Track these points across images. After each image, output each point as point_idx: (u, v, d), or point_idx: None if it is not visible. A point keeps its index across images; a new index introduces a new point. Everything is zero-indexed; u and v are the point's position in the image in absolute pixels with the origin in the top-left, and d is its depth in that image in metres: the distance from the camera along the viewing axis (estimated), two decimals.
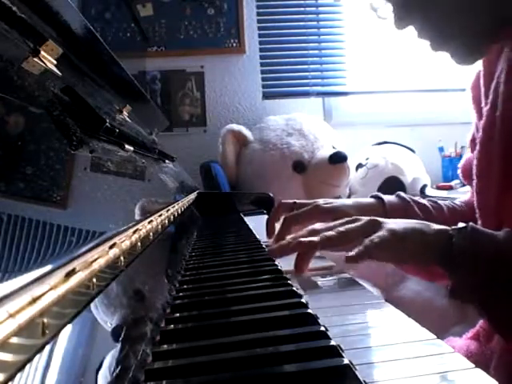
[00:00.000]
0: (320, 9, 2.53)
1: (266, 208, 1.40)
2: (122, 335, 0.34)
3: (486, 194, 0.69)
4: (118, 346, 0.33)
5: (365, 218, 0.58)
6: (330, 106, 2.53)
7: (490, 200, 0.68)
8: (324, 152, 2.09)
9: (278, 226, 0.79)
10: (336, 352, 0.33)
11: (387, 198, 0.82)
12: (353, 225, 0.57)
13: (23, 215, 0.29)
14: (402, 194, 0.84)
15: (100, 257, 0.32)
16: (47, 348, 0.23)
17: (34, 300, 0.21)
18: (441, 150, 2.44)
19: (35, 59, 0.43)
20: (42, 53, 0.45)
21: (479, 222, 0.73)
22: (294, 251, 0.62)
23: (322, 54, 2.52)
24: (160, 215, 0.60)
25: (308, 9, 2.51)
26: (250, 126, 2.28)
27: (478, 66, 0.75)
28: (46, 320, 0.22)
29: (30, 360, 0.20)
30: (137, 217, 0.53)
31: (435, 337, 0.37)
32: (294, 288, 0.49)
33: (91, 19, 2.24)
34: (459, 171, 0.90)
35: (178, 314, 0.45)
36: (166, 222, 0.64)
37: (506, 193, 0.64)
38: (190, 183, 1.39)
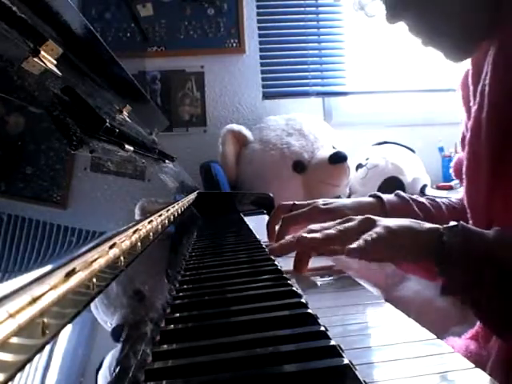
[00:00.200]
0: (320, 9, 2.53)
1: (266, 208, 1.40)
2: (124, 335, 0.34)
3: (476, 194, 0.69)
4: (119, 346, 0.33)
5: (360, 217, 0.59)
6: (330, 106, 2.53)
7: (479, 200, 0.68)
8: (324, 152, 2.09)
9: (278, 227, 0.79)
10: (336, 352, 0.33)
11: (387, 197, 0.82)
12: (349, 223, 0.58)
13: (23, 215, 0.29)
14: (401, 192, 0.84)
15: (100, 257, 0.32)
16: (47, 348, 0.23)
17: (34, 300, 0.21)
18: (441, 150, 2.44)
19: (35, 59, 0.43)
20: (42, 53, 0.45)
21: (470, 222, 0.73)
22: (295, 249, 0.62)
23: (322, 54, 2.52)
24: (160, 215, 0.60)
25: (308, 9, 2.51)
26: (250, 126, 2.28)
27: (467, 64, 0.75)
28: (46, 320, 0.22)
29: (30, 360, 0.20)
30: (137, 217, 0.53)
31: (435, 337, 0.37)
32: (294, 288, 0.49)
33: (91, 19, 2.24)
34: (451, 170, 0.90)
35: (178, 314, 0.45)
36: (166, 222, 0.64)
37: (494, 193, 0.65)
38: (190, 183, 1.39)
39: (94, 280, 0.30)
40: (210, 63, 2.42)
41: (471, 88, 0.73)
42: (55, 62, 0.48)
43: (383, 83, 2.56)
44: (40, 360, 0.22)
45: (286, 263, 0.62)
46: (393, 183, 2.12)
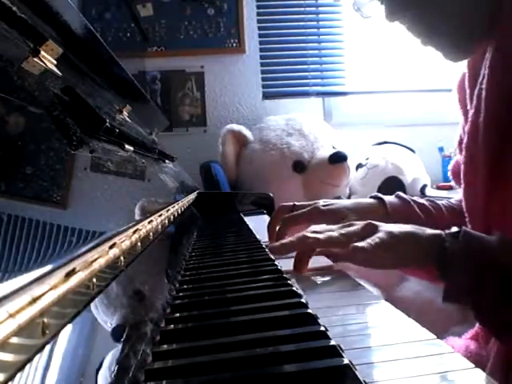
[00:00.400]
0: (320, 9, 2.53)
1: (266, 208, 1.40)
2: (124, 335, 0.34)
3: (473, 198, 0.69)
4: (119, 346, 0.33)
5: (362, 222, 0.60)
6: (330, 106, 2.53)
7: (477, 204, 0.68)
8: (324, 152, 2.09)
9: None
10: (336, 352, 0.33)
11: (388, 198, 0.82)
12: (352, 228, 0.59)
13: (23, 215, 0.29)
14: (401, 194, 0.84)
15: (100, 257, 0.32)
16: (47, 348, 0.23)
17: (34, 300, 0.21)
18: (441, 150, 2.44)
19: (35, 59, 0.43)
20: (42, 53, 0.45)
21: (469, 226, 0.73)
22: (297, 248, 0.63)
23: (322, 54, 2.52)
24: (160, 215, 0.60)
25: (308, 9, 2.51)
26: (250, 126, 2.28)
27: (464, 67, 0.75)
28: (46, 320, 0.22)
29: (29, 360, 0.20)
30: (137, 217, 0.53)
31: (435, 337, 0.37)
32: (294, 288, 0.49)
33: (91, 19, 2.24)
34: (449, 173, 0.90)
35: (178, 314, 0.45)
36: (166, 222, 0.64)
37: (492, 197, 0.65)
38: (190, 183, 1.39)
39: (94, 280, 0.30)
40: (210, 63, 2.43)
41: (468, 91, 0.73)
42: (55, 61, 0.48)
43: (383, 83, 2.56)
44: (40, 360, 0.22)
45: (285, 263, 0.62)
46: (393, 183, 2.12)
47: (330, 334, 0.36)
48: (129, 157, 0.64)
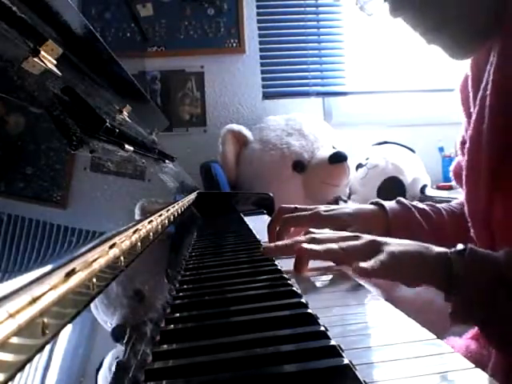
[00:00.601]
0: (320, 9, 2.53)
1: (266, 208, 1.40)
2: (124, 335, 0.34)
3: (476, 203, 0.69)
4: (119, 346, 0.33)
5: (366, 238, 0.58)
6: (330, 106, 2.53)
7: (479, 210, 0.68)
8: (324, 152, 2.09)
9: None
10: (336, 352, 0.33)
11: (388, 204, 0.82)
12: (355, 243, 0.57)
13: (23, 215, 0.29)
14: (402, 199, 0.84)
15: (100, 257, 0.32)
16: (47, 348, 0.23)
17: (34, 300, 0.21)
18: (441, 150, 2.44)
19: (35, 59, 0.43)
20: (42, 53, 0.45)
21: (472, 231, 0.73)
22: (292, 254, 0.62)
23: (322, 54, 2.52)
24: (160, 215, 0.60)
25: (308, 9, 2.51)
26: (250, 126, 2.28)
27: (467, 68, 0.75)
28: (46, 320, 0.22)
29: (29, 360, 0.20)
30: (137, 217, 0.53)
31: (435, 337, 0.37)
32: (294, 288, 0.49)
33: (91, 19, 2.24)
34: (451, 174, 0.90)
35: (178, 314, 0.45)
36: (166, 222, 0.64)
37: (494, 203, 0.64)
38: (190, 183, 1.39)
39: (94, 280, 0.30)
40: (210, 63, 2.43)
41: (471, 93, 0.72)
42: (55, 61, 0.48)
43: (383, 83, 2.56)
44: (40, 360, 0.22)
45: (286, 263, 0.62)
46: (393, 183, 2.12)
47: (329, 333, 0.36)
48: (129, 157, 0.64)
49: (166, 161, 1.07)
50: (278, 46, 2.50)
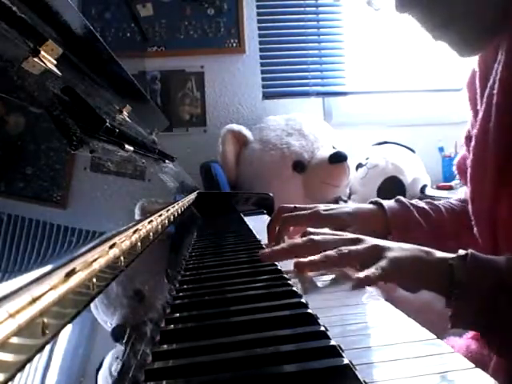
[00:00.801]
0: (320, 9, 2.53)
1: (266, 208, 1.40)
2: (124, 336, 0.34)
3: (480, 202, 0.69)
4: (121, 346, 0.33)
5: (368, 242, 0.57)
6: (330, 106, 2.53)
7: (483, 208, 0.68)
8: (324, 152, 2.09)
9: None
10: (336, 352, 0.33)
11: (387, 203, 0.82)
12: (357, 248, 0.56)
13: (23, 215, 0.29)
14: (401, 198, 0.84)
15: (100, 257, 0.32)
16: (47, 348, 0.23)
17: (34, 300, 0.21)
18: (441, 149, 2.44)
19: (35, 59, 0.43)
20: (42, 53, 0.45)
21: (475, 229, 0.73)
22: (289, 258, 0.62)
23: (322, 54, 2.52)
24: (160, 215, 0.60)
25: (308, 9, 2.51)
26: (250, 126, 2.28)
27: (474, 64, 0.75)
28: (46, 320, 0.22)
29: (29, 360, 0.20)
30: (137, 217, 0.53)
31: (435, 337, 0.37)
32: (294, 288, 0.49)
33: (91, 19, 2.24)
34: (454, 168, 0.89)
35: (177, 314, 0.45)
36: (166, 222, 0.64)
37: (499, 202, 0.64)
38: (190, 183, 1.39)
39: (94, 280, 0.30)
40: (210, 63, 2.43)
41: (478, 90, 0.72)
42: (55, 61, 0.48)
43: (383, 83, 2.56)
44: (40, 360, 0.22)
45: (285, 263, 0.62)
46: (393, 183, 2.12)
47: (329, 333, 0.36)
48: (129, 157, 0.64)
49: (166, 161, 1.07)
50: (278, 46, 2.50)
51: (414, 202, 0.85)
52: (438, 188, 2.24)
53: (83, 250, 0.30)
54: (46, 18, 0.47)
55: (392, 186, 2.10)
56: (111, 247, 0.35)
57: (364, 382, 0.30)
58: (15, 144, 0.34)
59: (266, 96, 2.47)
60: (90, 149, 0.47)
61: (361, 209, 0.82)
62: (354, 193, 2.24)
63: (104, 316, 0.33)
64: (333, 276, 0.59)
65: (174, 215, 0.72)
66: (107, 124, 0.49)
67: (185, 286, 0.55)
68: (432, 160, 2.40)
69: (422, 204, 0.84)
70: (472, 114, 0.77)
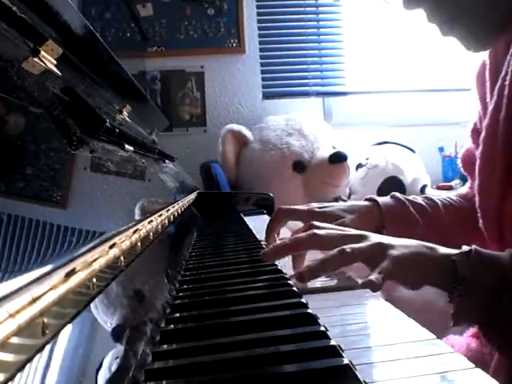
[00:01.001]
0: (320, 9, 2.53)
1: (267, 208, 1.40)
2: (124, 335, 0.34)
3: (488, 195, 0.69)
4: (119, 346, 0.33)
5: (372, 240, 0.55)
6: (330, 106, 2.53)
7: (491, 202, 0.67)
8: (324, 152, 2.09)
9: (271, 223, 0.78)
10: (336, 352, 0.33)
11: (382, 200, 0.82)
12: (360, 245, 0.54)
13: (23, 215, 0.29)
14: (397, 194, 0.83)
15: (100, 257, 0.32)
16: (47, 348, 0.23)
17: (34, 300, 0.21)
18: (441, 149, 2.44)
19: (35, 59, 0.43)
20: (42, 53, 0.45)
21: (480, 222, 0.72)
22: (293, 252, 0.61)
23: (322, 54, 2.52)
24: (160, 215, 0.60)
25: (308, 9, 2.51)
26: (250, 126, 2.28)
27: (484, 56, 0.74)
28: (46, 320, 0.22)
29: (29, 360, 0.20)
30: (137, 217, 0.53)
31: (435, 337, 0.37)
32: (294, 288, 0.49)
33: (91, 19, 2.24)
34: (459, 161, 0.89)
35: (177, 314, 0.45)
36: (166, 222, 0.64)
37: (506, 196, 0.64)
38: (190, 183, 1.39)
39: (94, 280, 0.30)
40: (210, 63, 2.43)
41: (488, 83, 0.72)
42: (55, 61, 0.48)
43: (383, 83, 2.56)
44: (40, 360, 0.22)
45: (285, 263, 0.62)
46: (393, 183, 2.12)
47: (329, 333, 0.36)
48: (129, 157, 0.64)
49: (166, 161, 1.07)
50: (278, 46, 2.50)
51: (410, 197, 0.84)
52: (438, 188, 2.24)
53: (83, 250, 0.30)
54: (46, 18, 0.47)
55: (392, 186, 2.10)
56: (111, 247, 0.35)
57: (364, 382, 0.30)
58: (15, 144, 0.34)
59: (266, 96, 2.47)
60: (90, 149, 0.47)
61: (356, 205, 0.81)
62: (354, 193, 2.24)
63: (104, 316, 0.33)
64: (333, 276, 0.59)
65: (174, 215, 0.72)
66: (107, 124, 0.49)
67: (185, 286, 0.55)
68: (432, 160, 2.40)
69: (418, 200, 0.83)
70: (480, 107, 0.76)
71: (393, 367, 0.33)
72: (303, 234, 0.58)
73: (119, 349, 0.32)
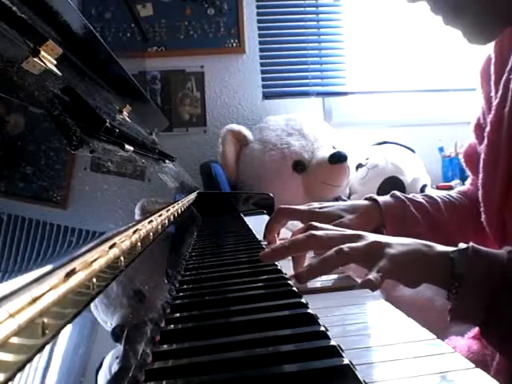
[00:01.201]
0: (320, 9, 2.53)
1: (267, 208, 1.40)
2: (124, 336, 0.34)
3: (491, 189, 0.69)
4: (119, 346, 0.33)
5: (368, 239, 0.55)
6: (330, 106, 2.53)
7: (493, 196, 0.67)
8: (324, 152, 2.09)
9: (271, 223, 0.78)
10: (336, 352, 0.33)
11: (382, 199, 0.81)
12: (357, 245, 0.54)
13: (23, 215, 0.29)
14: (397, 193, 0.83)
15: (100, 257, 0.32)
16: (47, 348, 0.23)
17: (34, 300, 0.21)
18: (441, 150, 2.44)
19: (35, 59, 0.43)
20: (42, 53, 0.45)
21: (483, 216, 0.72)
22: (291, 255, 0.61)
23: (322, 54, 2.52)
24: (160, 215, 0.60)
25: (308, 9, 2.51)
26: (250, 126, 2.28)
27: (488, 51, 0.74)
28: (46, 320, 0.22)
29: (30, 360, 0.20)
30: (137, 217, 0.53)
31: (435, 337, 0.37)
32: (294, 288, 0.48)
33: (91, 19, 2.23)
34: (461, 156, 0.89)
35: (178, 314, 0.45)
36: (166, 222, 0.64)
37: (509, 190, 0.64)
38: (190, 183, 1.39)
39: (94, 280, 0.30)
40: (210, 63, 2.43)
41: (493, 77, 0.72)
42: (55, 61, 0.48)
43: (383, 83, 2.56)
44: (40, 360, 0.22)
45: (285, 263, 0.62)
46: (393, 183, 2.12)
47: (329, 334, 0.36)
48: (129, 157, 0.64)
49: (166, 161, 1.07)
50: (278, 46, 2.50)
51: (411, 196, 0.84)
52: (438, 188, 2.24)
53: (83, 249, 0.30)
54: (46, 18, 0.47)
55: (392, 186, 2.09)
56: (111, 247, 0.35)
57: (364, 382, 0.30)
58: (15, 144, 0.34)
59: (266, 96, 2.47)
60: (90, 149, 0.47)
61: (355, 205, 0.81)
62: (354, 193, 2.24)
63: (104, 316, 0.33)
64: (333, 276, 0.59)
65: (174, 215, 0.72)
66: (107, 124, 0.50)
67: (185, 286, 0.55)
68: (432, 160, 2.40)
69: (419, 199, 0.83)
70: (484, 102, 0.76)
71: (393, 367, 0.33)
72: (301, 236, 0.58)
73: (119, 349, 0.32)
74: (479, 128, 0.79)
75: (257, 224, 1.03)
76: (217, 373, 0.32)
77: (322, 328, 0.37)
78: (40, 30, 0.45)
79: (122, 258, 0.37)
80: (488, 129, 0.70)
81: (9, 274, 0.24)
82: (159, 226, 0.57)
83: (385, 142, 2.34)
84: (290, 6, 2.50)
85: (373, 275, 0.50)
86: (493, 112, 0.69)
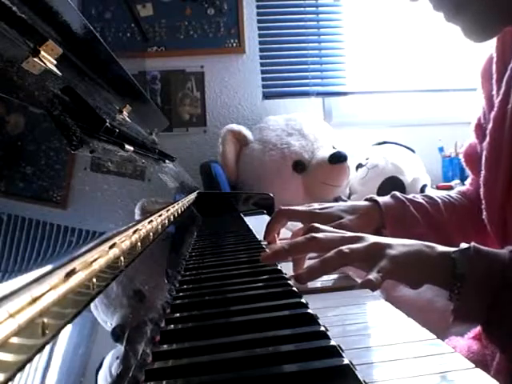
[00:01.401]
0: (320, 9, 2.53)
1: (267, 208, 1.40)
2: (124, 336, 0.34)
3: (493, 186, 0.69)
4: (119, 346, 0.33)
5: (369, 240, 0.55)
6: (330, 106, 2.53)
7: (495, 193, 0.67)
8: (324, 152, 2.09)
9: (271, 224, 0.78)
10: (336, 352, 0.33)
11: (382, 199, 0.81)
12: (357, 246, 0.54)
13: (23, 215, 0.29)
14: (397, 194, 0.83)
15: (100, 257, 0.32)
16: (47, 348, 0.23)
17: (34, 300, 0.21)
18: (441, 150, 2.44)
19: (35, 59, 0.43)
20: (42, 53, 0.45)
21: (484, 214, 0.72)
22: (292, 256, 0.61)
23: (322, 54, 2.52)
24: (160, 215, 0.60)
25: (308, 9, 2.51)
26: (250, 126, 2.28)
27: (490, 49, 0.74)
28: (46, 320, 0.22)
29: (30, 360, 0.20)
30: (137, 217, 0.53)
31: (435, 337, 0.37)
32: (294, 288, 0.48)
33: (91, 19, 2.23)
34: (461, 156, 0.89)
35: (178, 314, 0.45)
36: (166, 222, 0.64)
37: (511, 189, 0.64)
38: (190, 183, 1.39)
39: (94, 280, 0.30)
40: (210, 63, 2.43)
41: (495, 76, 0.72)
42: (55, 61, 0.48)
43: (383, 83, 2.56)
44: (40, 360, 0.22)
45: (285, 263, 0.62)
46: (393, 183, 2.12)
47: (329, 333, 0.36)
48: (129, 157, 0.64)
49: (166, 161, 1.07)
50: (278, 46, 2.50)
51: (411, 196, 0.84)
52: (438, 188, 2.24)
53: (83, 249, 0.30)
54: (46, 18, 0.47)
55: (392, 186, 2.10)
56: (111, 247, 0.35)
57: (364, 382, 0.30)
58: (15, 144, 0.34)
59: (266, 96, 2.47)
60: (90, 149, 0.47)
61: (356, 206, 0.81)
62: (354, 193, 2.24)
63: (104, 316, 0.33)
64: (333, 276, 0.59)
65: (174, 215, 0.72)
66: (107, 124, 0.50)
67: (185, 286, 0.55)
68: (432, 160, 2.40)
69: (419, 199, 0.83)
70: (485, 102, 0.76)
71: (393, 367, 0.33)
72: (301, 238, 0.58)
73: (119, 349, 0.32)
74: (480, 128, 0.79)
75: (257, 224, 1.03)
76: (217, 373, 0.32)
77: (322, 328, 0.37)
78: (40, 29, 0.45)
79: (122, 258, 0.37)
80: (490, 126, 0.70)
81: (9, 274, 0.24)
82: (159, 226, 0.57)
83: (385, 142, 2.34)
84: (290, 6, 2.50)
85: (373, 275, 0.50)
86: (495, 109, 0.68)
